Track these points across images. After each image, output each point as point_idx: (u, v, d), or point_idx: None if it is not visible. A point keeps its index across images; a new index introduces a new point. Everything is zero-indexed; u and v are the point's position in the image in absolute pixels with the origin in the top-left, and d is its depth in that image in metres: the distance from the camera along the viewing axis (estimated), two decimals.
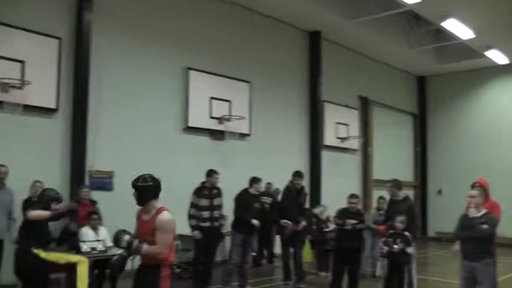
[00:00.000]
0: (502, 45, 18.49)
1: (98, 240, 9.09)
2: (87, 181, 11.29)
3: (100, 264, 9.21)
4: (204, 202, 10.15)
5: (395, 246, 8.68)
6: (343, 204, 9.72)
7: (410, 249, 8.73)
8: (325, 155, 17.49)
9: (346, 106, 18.82)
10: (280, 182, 13.36)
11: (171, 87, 13.22)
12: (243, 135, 14.58)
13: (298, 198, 11.06)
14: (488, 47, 18.45)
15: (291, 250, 10.99)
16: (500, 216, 8.09)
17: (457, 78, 22.25)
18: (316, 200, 15.77)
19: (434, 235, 22.08)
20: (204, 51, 13.97)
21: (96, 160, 11.55)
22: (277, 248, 12.67)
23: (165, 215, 5.09)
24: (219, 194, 10.40)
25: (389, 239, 8.83)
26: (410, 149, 23.36)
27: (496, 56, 19.31)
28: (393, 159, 21.23)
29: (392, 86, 21.66)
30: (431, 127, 23.30)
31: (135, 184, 5.18)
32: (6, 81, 9.95)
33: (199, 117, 13.58)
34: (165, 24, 13.16)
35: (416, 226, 10.58)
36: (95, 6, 11.54)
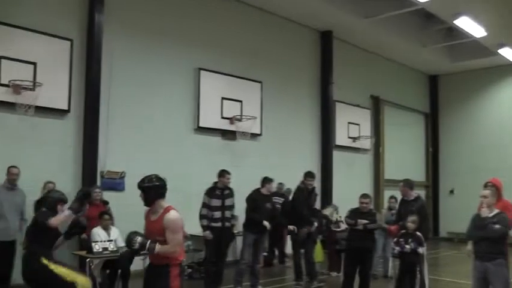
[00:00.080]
0: None
1: (110, 241, 9.12)
2: (98, 182, 11.33)
3: (111, 265, 9.26)
4: (216, 202, 10.14)
5: (406, 246, 8.66)
6: (355, 204, 9.69)
7: (421, 250, 8.70)
8: (337, 155, 17.45)
9: (358, 106, 18.77)
10: (291, 182, 13.37)
11: (183, 88, 13.23)
12: (254, 135, 14.56)
13: (309, 199, 11.07)
14: (501, 45, 18.28)
15: (302, 250, 11.00)
16: None
17: (470, 77, 22.09)
18: (327, 200, 15.74)
19: (446, 235, 21.94)
20: (215, 52, 13.97)
21: (108, 161, 11.59)
22: (289, 248, 12.67)
23: (172, 214, 5.15)
24: (230, 194, 10.39)
25: (401, 239, 8.81)
26: (422, 149, 23.24)
27: (509, 54, 19.11)
28: (405, 159, 21.13)
29: (404, 85, 21.56)
30: (444, 126, 23.16)
31: (141, 185, 5.27)
32: (18, 82, 10.00)
33: (210, 118, 13.58)
34: (176, 25, 13.17)
35: (428, 226, 10.51)
36: (106, 8, 11.56)
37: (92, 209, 10.21)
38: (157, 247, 5.05)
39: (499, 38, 17.60)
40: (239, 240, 11.56)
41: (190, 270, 11.79)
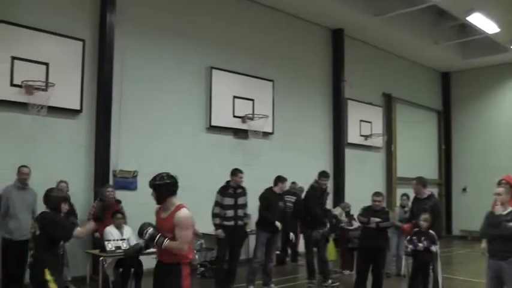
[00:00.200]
0: None
1: (123, 239, 9.17)
2: (111, 181, 11.37)
3: (124, 263, 9.29)
4: (229, 201, 10.14)
5: (420, 244, 8.62)
6: (367, 202, 9.66)
7: (435, 248, 8.66)
8: (349, 153, 17.41)
9: (370, 103, 18.72)
10: (303, 180, 13.38)
11: (195, 87, 13.24)
12: (266, 134, 14.57)
13: (322, 198, 11.08)
14: None
15: (315, 249, 11.00)
16: None
17: (482, 74, 21.95)
18: (339, 198, 15.70)
19: (459, 233, 21.83)
20: (227, 50, 13.98)
21: (120, 160, 11.63)
22: (301, 247, 12.65)
23: (183, 212, 5.16)
24: (243, 193, 10.39)
25: (414, 237, 8.77)
26: (435, 146, 23.15)
27: None
28: (417, 157, 21.02)
29: (416, 83, 21.47)
30: (456, 124, 23.05)
31: (152, 183, 5.28)
32: (31, 83, 10.05)
33: (222, 116, 13.59)
34: (188, 24, 13.18)
35: (441, 224, 10.46)
36: (117, 7, 11.60)
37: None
38: (166, 242, 5.06)
39: None
40: (252, 239, 11.56)
41: (202, 269, 11.82)
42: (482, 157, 21.38)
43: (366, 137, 18.34)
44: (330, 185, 11.63)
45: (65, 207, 6.36)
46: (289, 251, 14.01)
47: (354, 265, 11.15)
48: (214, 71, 13.50)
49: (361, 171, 17.93)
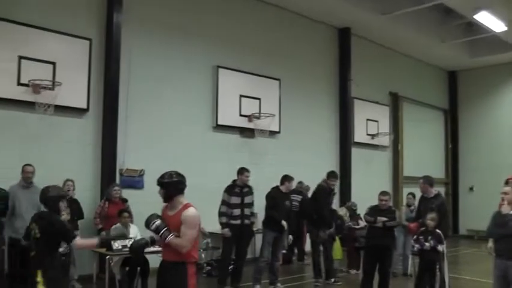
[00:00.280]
0: None
1: (129, 238, 9.17)
2: (117, 180, 11.39)
3: (131, 262, 9.31)
4: (235, 200, 10.15)
5: (426, 244, 8.61)
6: (374, 201, 9.64)
7: (441, 247, 8.64)
8: (355, 152, 17.39)
9: (376, 102, 18.69)
10: (310, 179, 13.39)
11: (201, 86, 13.24)
12: (272, 133, 14.56)
13: (329, 198, 11.10)
14: None
15: (321, 248, 11.00)
16: None
17: (489, 73, 21.85)
18: (346, 197, 15.68)
19: (465, 233, 21.77)
20: (234, 49, 13.98)
21: (127, 159, 11.64)
22: (308, 246, 12.64)
23: (191, 211, 5.15)
24: (250, 192, 10.39)
25: (421, 237, 8.75)
26: (441, 145, 23.07)
27: None
28: (424, 156, 20.96)
29: (423, 82, 21.41)
30: (463, 122, 22.97)
31: (160, 181, 5.26)
32: (37, 82, 10.07)
33: (229, 115, 13.59)
34: (195, 23, 13.18)
35: (447, 224, 10.43)
36: (124, 6, 11.61)
37: (111, 207, 10.30)
38: (171, 237, 5.05)
39: None
40: (258, 238, 11.57)
41: (209, 267, 11.82)
42: (489, 156, 21.30)
43: (373, 136, 18.30)
44: (336, 184, 11.61)
45: (63, 205, 6.15)
46: (296, 250, 14.01)
47: (361, 264, 11.14)
48: (220, 69, 13.49)
49: (367, 170, 17.90)
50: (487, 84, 22.09)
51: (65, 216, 8.68)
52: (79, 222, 10.10)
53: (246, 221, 10.25)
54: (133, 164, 11.75)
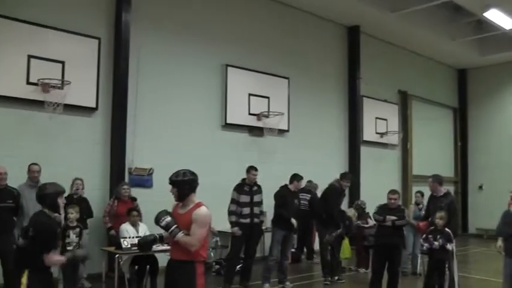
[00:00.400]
0: None
1: (138, 237, 9.15)
2: (126, 178, 11.41)
3: (140, 260, 9.32)
4: (245, 198, 10.14)
5: (435, 242, 8.57)
6: (383, 200, 9.62)
7: (450, 246, 8.59)
8: (364, 151, 17.35)
9: (386, 101, 18.63)
10: (318, 177, 13.40)
11: (210, 84, 13.25)
12: (281, 131, 14.55)
13: (340, 199, 11.13)
14: None
15: (329, 247, 11.01)
16: None
17: (499, 70, 21.71)
18: (355, 196, 15.64)
19: (474, 232, 21.68)
20: (242, 48, 13.98)
21: (136, 157, 11.65)
22: (317, 245, 12.63)
23: (203, 210, 5.12)
24: (259, 190, 10.39)
25: (430, 236, 8.71)
26: (451, 144, 22.97)
27: None
28: (433, 154, 20.88)
29: (432, 80, 21.32)
30: (472, 121, 22.86)
31: (174, 179, 5.20)
32: (47, 81, 10.11)
33: (237, 114, 13.60)
34: (203, 22, 13.18)
35: (457, 222, 10.38)
36: (133, 5, 11.62)
37: (120, 206, 10.32)
38: (180, 234, 5.00)
39: None
40: (267, 237, 11.57)
41: (217, 266, 11.83)
42: (499, 155, 21.22)
43: (382, 134, 18.26)
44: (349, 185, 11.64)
45: (61, 201, 5.79)
46: (305, 249, 14.00)
47: (370, 263, 11.12)
48: (229, 68, 13.49)
49: (376, 168, 17.86)
50: (496, 82, 21.98)
51: (74, 215, 8.75)
52: (88, 220, 10.14)
53: (256, 220, 10.25)
54: (142, 163, 11.76)
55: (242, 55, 13.87)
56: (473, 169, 22.64)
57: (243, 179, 10.35)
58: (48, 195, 5.64)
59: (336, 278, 11.15)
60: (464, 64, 22.41)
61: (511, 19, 16.00)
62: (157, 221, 5.11)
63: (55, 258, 5.43)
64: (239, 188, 10.23)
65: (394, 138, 18.69)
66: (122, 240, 9.05)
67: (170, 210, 5.34)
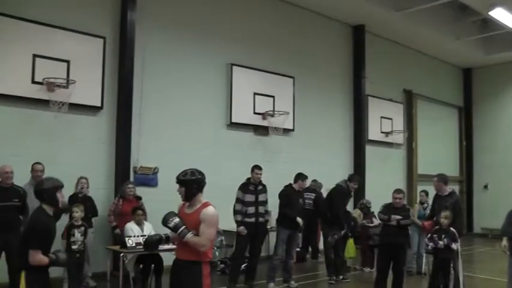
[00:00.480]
0: None
1: (143, 236, 9.16)
2: (131, 177, 11.43)
3: (145, 259, 9.33)
4: (250, 198, 10.14)
5: (440, 242, 8.55)
6: (388, 199, 9.60)
7: (455, 245, 8.57)
8: (369, 150, 17.34)
9: (391, 100, 18.61)
10: (323, 177, 13.39)
11: (215, 83, 13.25)
12: (286, 131, 14.54)
13: (346, 200, 11.15)
14: None
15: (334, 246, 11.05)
16: None
17: (504, 70, 21.66)
18: (360, 195, 15.61)
19: (480, 231, 21.63)
20: (248, 47, 13.98)
21: (141, 156, 11.67)
22: (322, 244, 12.62)
23: (211, 209, 5.06)
24: (264, 190, 10.39)
25: (435, 235, 8.70)
26: (456, 143, 22.92)
27: None
28: (438, 154, 20.84)
29: (437, 79, 21.30)
30: (477, 120, 22.80)
31: (181, 179, 5.12)
32: (52, 80, 10.12)
33: (243, 113, 13.59)
34: (208, 21, 13.19)
35: (462, 222, 10.36)
36: (138, 4, 11.63)
37: (125, 205, 10.33)
38: (190, 235, 4.93)
39: None
40: (272, 236, 11.57)
41: (222, 265, 11.83)
42: (504, 154, 21.18)
43: (387, 133, 18.24)
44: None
45: (60, 195, 5.63)
46: (310, 248, 14.00)
47: (375, 262, 11.11)
48: (234, 67, 13.49)
49: (381, 168, 17.85)
50: (502, 81, 21.93)
51: (79, 214, 8.76)
52: (93, 219, 10.15)
53: (261, 219, 10.24)
54: (147, 162, 11.77)
55: (247, 54, 13.86)
56: (479, 168, 22.59)
57: (248, 178, 10.35)
58: (45, 190, 5.49)
59: (341, 277, 11.17)
60: (469, 63, 22.36)
61: None
62: (165, 222, 5.02)
63: (39, 257, 5.18)
64: (244, 187, 10.23)
65: (399, 138, 18.67)
66: (126, 239, 9.06)
67: (175, 209, 5.31)
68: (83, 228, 8.73)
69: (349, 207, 12.63)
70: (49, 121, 10.28)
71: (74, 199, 9.57)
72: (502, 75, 21.84)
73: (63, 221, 9.00)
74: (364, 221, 12.58)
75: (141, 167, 11.66)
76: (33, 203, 8.76)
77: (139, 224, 9.61)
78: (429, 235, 8.86)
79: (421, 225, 10.36)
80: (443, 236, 8.58)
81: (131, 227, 9.50)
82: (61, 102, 10.13)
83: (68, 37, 10.64)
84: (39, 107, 10.15)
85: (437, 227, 8.79)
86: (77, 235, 8.64)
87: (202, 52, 12.97)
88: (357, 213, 12.84)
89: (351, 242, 11.92)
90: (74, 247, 8.57)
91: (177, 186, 5.15)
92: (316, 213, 12.26)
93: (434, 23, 17.25)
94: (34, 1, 10.38)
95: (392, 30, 17.77)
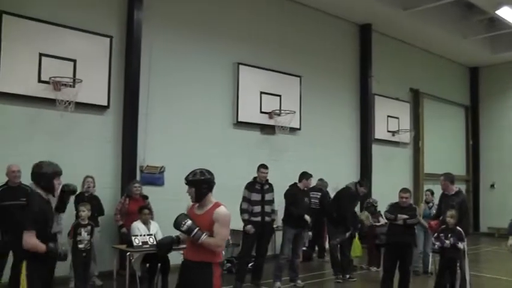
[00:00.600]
0: None
1: (149, 235, 9.19)
2: (138, 176, 11.43)
3: (151, 258, 9.34)
4: (256, 196, 10.13)
5: (446, 241, 8.53)
6: (394, 198, 9.59)
7: (462, 245, 8.55)
8: (376, 149, 17.31)
9: (397, 99, 18.57)
10: (330, 176, 13.38)
11: (221, 83, 13.25)
12: (293, 130, 14.53)
13: (354, 202, 11.17)
14: None
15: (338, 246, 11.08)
16: None
17: (511, 69, 21.56)
18: (367, 194, 15.55)
19: (486, 230, 21.54)
20: (254, 46, 13.97)
21: (147, 155, 11.67)
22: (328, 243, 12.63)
23: (223, 209, 5.00)
24: (270, 189, 10.39)
25: (441, 234, 8.68)
26: (462, 142, 22.85)
27: None
28: (445, 153, 20.79)
29: (444, 78, 21.23)
30: (484, 119, 22.72)
31: (191, 179, 5.04)
32: (58, 79, 10.14)
33: (249, 112, 13.59)
34: (215, 20, 13.19)
35: (468, 221, 10.34)
36: (144, 4, 11.63)
37: (131, 204, 10.34)
38: (204, 236, 4.84)
39: None
40: (278, 235, 11.57)
41: (229, 264, 11.84)
42: (511, 153, 21.12)
43: (393, 132, 18.20)
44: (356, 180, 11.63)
45: (57, 182, 5.40)
46: (316, 247, 13.99)
47: (381, 262, 11.09)
48: (241, 66, 13.49)
49: (388, 167, 17.81)
50: (509, 80, 21.83)
51: (85, 213, 8.78)
52: (99, 218, 10.18)
53: (267, 218, 10.23)
54: (153, 161, 11.78)
55: (254, 53, 13.86)
56: (485, 167, 22.51)
57: (255, 177, 10.35)
58: (44, 174, 5.28)
59: (348, 276, 11.16)
60: (476, 62, 22.29)
61: None
62: (177, 226, 4.91)
63: (33, 241, 4.92)
64: (250, 186, 10.23)
65: (406, 137, 18.63)
66: (133, 238, 9.06)
67: (181, 208, 5.29)
68: (89, 227, 8.76)
69: (356, 209, 12.61)
70: (55, 120, 10.29)
71: (81, 198, 9.58)
72: (509, 74, 21.74)
73: (70, 220, 9.04)
74: (371, 221, 12.56)
75: (147, 166, 11.67)
76: None
77: (146, 223, 9.61)
78: (436, 234, 8.84)
79: (428, 225, 10.32)
80: (449, 235, 8.56)
81: (138, 226, 9.50)
82: (67, 101, 10.14)
83: (75, 36, 10.66)
84: (46, 106, 10.16)
85: (444, 226, 8.77)
86: (84, 234, 8.66)
87: (208, 51, 12.97)
88: (364, 215, 12.81)
89: (356, 241, 11.91)
90: (80, 246, 8.60)
91: (185, 185, 5.09)
92: (322, 212, 12.25)
93: (441, 21, 17.21)
94: (40, 0, 10.40)
95: (399, 29, 17.73)
